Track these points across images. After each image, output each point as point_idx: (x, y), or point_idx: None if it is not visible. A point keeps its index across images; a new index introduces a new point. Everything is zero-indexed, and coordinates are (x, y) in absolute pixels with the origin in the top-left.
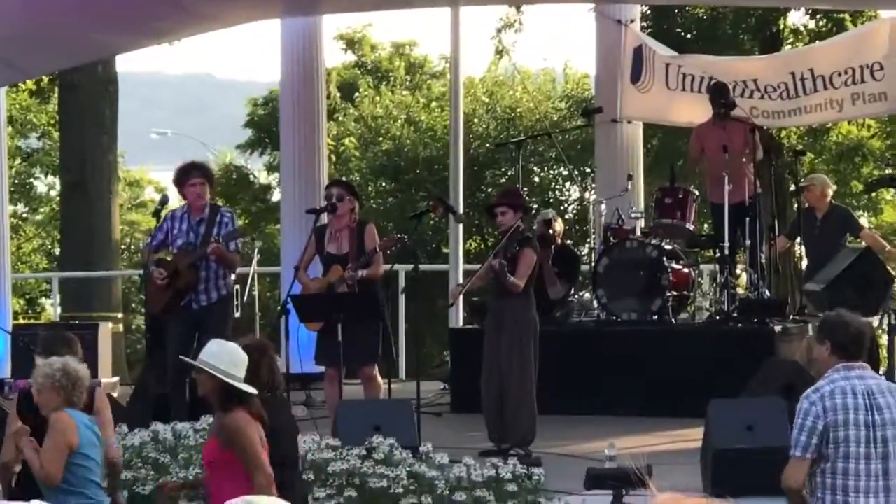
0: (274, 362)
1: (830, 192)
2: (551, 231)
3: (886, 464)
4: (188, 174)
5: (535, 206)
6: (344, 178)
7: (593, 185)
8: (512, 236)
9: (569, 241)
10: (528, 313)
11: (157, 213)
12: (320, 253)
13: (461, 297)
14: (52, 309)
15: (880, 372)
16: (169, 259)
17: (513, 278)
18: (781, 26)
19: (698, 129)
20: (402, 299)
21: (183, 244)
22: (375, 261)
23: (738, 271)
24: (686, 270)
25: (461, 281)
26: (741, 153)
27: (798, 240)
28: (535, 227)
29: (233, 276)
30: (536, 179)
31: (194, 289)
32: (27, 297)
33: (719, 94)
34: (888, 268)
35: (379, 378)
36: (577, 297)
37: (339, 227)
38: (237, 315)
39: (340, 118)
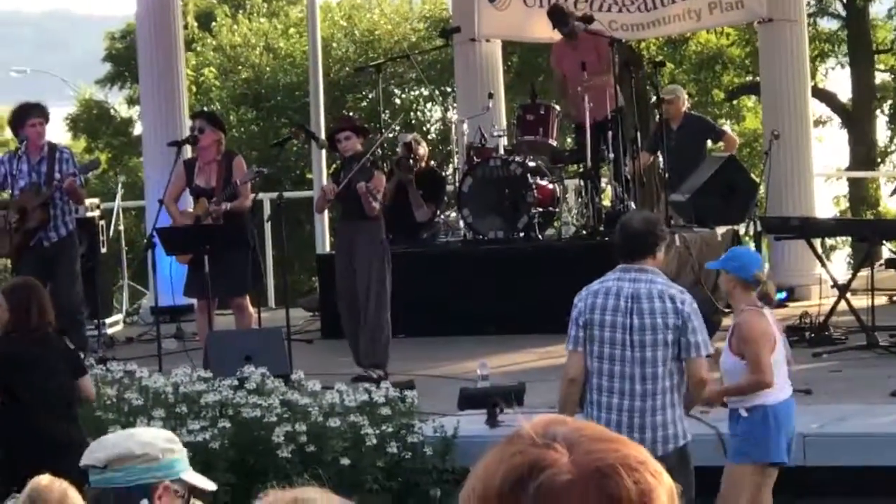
0: (43, 300)
1: (685, 103)
2: (414, 154)
3: (644, 369)
4: (28, 114)
5: (398, 128)
6: (205, 109)
7: (454, 105)
8: (365, 161)
9: (433, 163)
10: (379, 236)
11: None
12: (189, 186)
13: (327, 220)
14: None
15: None
16: (12, 200)
17: (374, 202)
18: None
19: (554, 51)
20: (267, 227)
21: (26, 185)
22: (242, 193)
23: (602, 185)
24: (551, 186)
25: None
26: (598, 70)
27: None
28: (398, 150)
29: (90, 211)
30: (398, 102)
31: (44, 227)
32: None
33: (557, 20)
34: (752, 176)
35: (250, 308)
36: (442, 217)
37: (206, 160)
38: (103, 250)
39: (199, 48)
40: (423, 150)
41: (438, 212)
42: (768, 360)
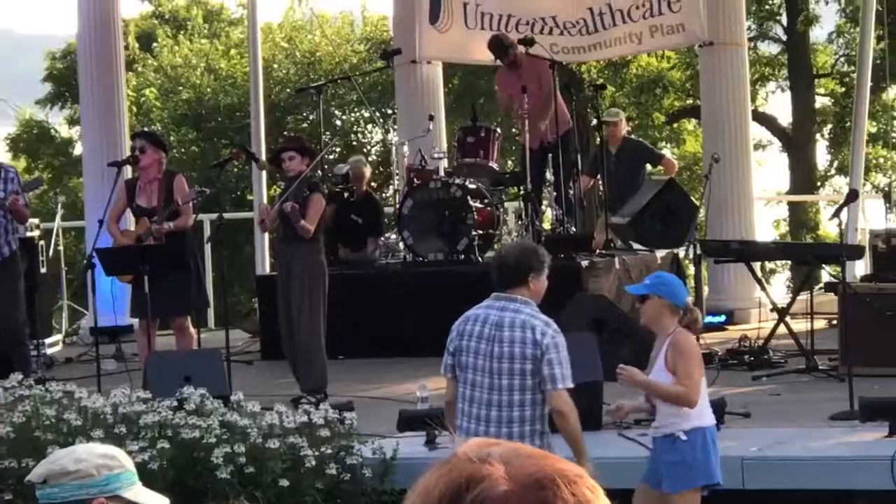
0: None
1: (624, 127)
2: (351, 185)
3: (500, 396)
4: None
5: (338, 149)
6: (146, 129)
7: (395, 127)
8: (302, 181)
9: (373, 185)
10: (316, 258)
11: None
12: (131, 207)
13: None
14: None
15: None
16: None
17: (303, 222)
18: None
19: (498, 78)
20: (207, 248)
21: None
22: (184, 212)
23: (543, 208)
24: (490, 209)
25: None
26: (539, 94)
27: (598, 175)
28: (345, 172)
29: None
30: (339, 123)
31: None
32: None
33: (498, 51)
34: (692, 199)
35: (192, 328)
36: (382, 239)
37: (147, 180)
38: (43, 271)
39: (140, 69)
40: (367, 171)
41: (380, 239)
42: (700, 378)
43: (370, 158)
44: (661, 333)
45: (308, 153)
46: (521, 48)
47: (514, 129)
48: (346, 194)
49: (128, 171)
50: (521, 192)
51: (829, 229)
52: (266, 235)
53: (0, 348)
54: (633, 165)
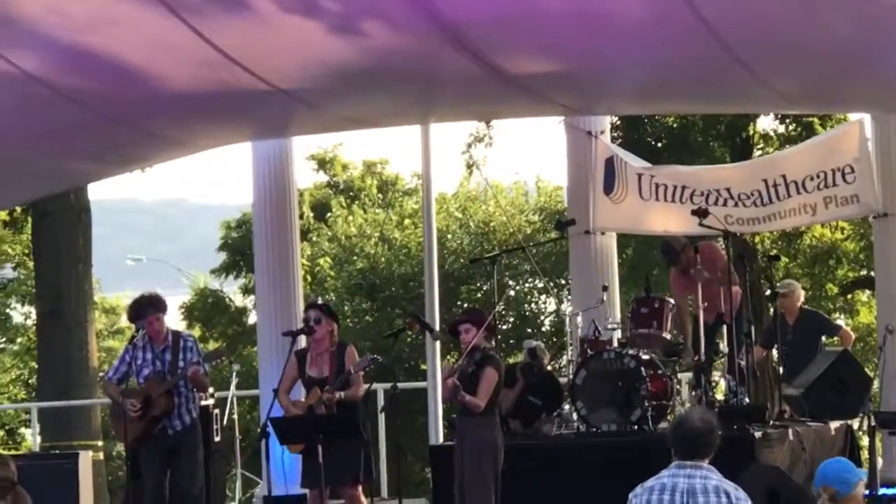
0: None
1: (800, 298)
2: (539, 363)
3: None
4: (145, 311)
5: (511, 319)
6: (320, 299)
7: (569, 297)
8: (472, 354)
9: (554, 364)
10: (487, 432)
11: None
12: (302, 377)
13: (440, 412)
14: (32, 439)
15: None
16: (136, 388)
17: (470, 397)
18: (752, 132)
19: (672, 279)
20: (381, 418)
21: (150, 373)
22: (354, 381)
23: (716, 379)
24: (664, 380)
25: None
26: (716, 279)
27: (772, 346)
28: (532, 347)
29: (205, 400)
30: (512, 293)
31: (168, 415)
32: (6, 427)
33: (670, 258)
34: (865, 370)
35: (363, 498)
36: (557, 411)
37: (319, 351)
38: (217, 439)
39: (314, 238)
40: (546, 359)
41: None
42: None
43: (543, 329)
44: None
45: (488, 327)
46: (693, 254)
47: (671, 300)
48: (529, 375)
49: (300, 342)
50: (695, 363)
51: None
52: (440, 406)
53: None
54: (809, 336)
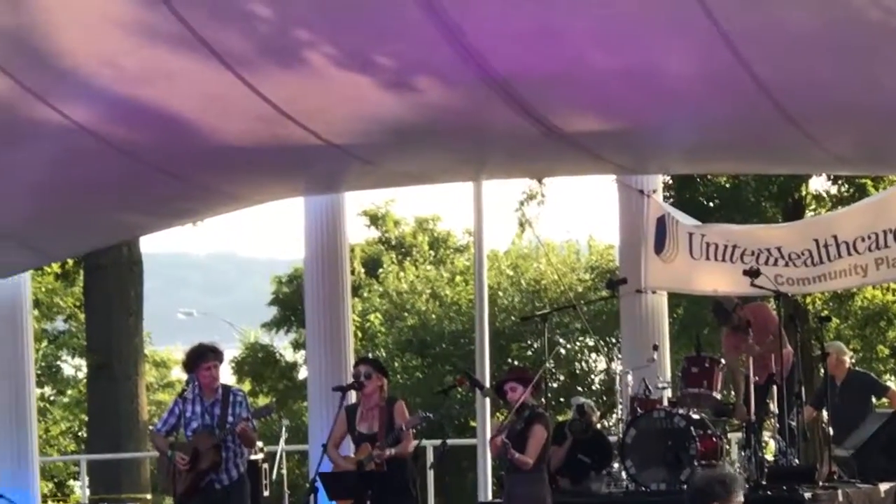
0: None
1: (847, 359)
2: (588, 419)
3: None
4: (204, 357)
5: (562, 377)
6: (370, 355)
7: (619, 356)
8: (519, 412)
9: (604, 423)
10: (536, 489)
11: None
12: (351, 432)
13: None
14: (80, 491)
15: None
16: (184, 442)
17: (519, 455)
18: (804, 192)
19: (724, 340)
20: (430, 474)
21: (199, 426)
22: (404, 438)
23: (765, 439)
24: (714, 439)
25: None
26: (765, 337)
27: (822, 407)
28: (581, 404)
29: (255, 454)
30: (563, 351)
31: (216, 469)
32: (55, 480)
33: (719, 315)
34: None
35: None
36: (606, 469)
37: (369, 406)
38: (266, 493)
39: (365, 294)
40: (595, 416)
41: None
42: None
43: (593, 387)
44: None
45: (534, 385)
46: (744, 315)
47: (723, 360)
48: (578, 432)
49: (350, 397)
50: (744, 423)
51: None
52: (490, 463)
53: None
54: (858, 398)
